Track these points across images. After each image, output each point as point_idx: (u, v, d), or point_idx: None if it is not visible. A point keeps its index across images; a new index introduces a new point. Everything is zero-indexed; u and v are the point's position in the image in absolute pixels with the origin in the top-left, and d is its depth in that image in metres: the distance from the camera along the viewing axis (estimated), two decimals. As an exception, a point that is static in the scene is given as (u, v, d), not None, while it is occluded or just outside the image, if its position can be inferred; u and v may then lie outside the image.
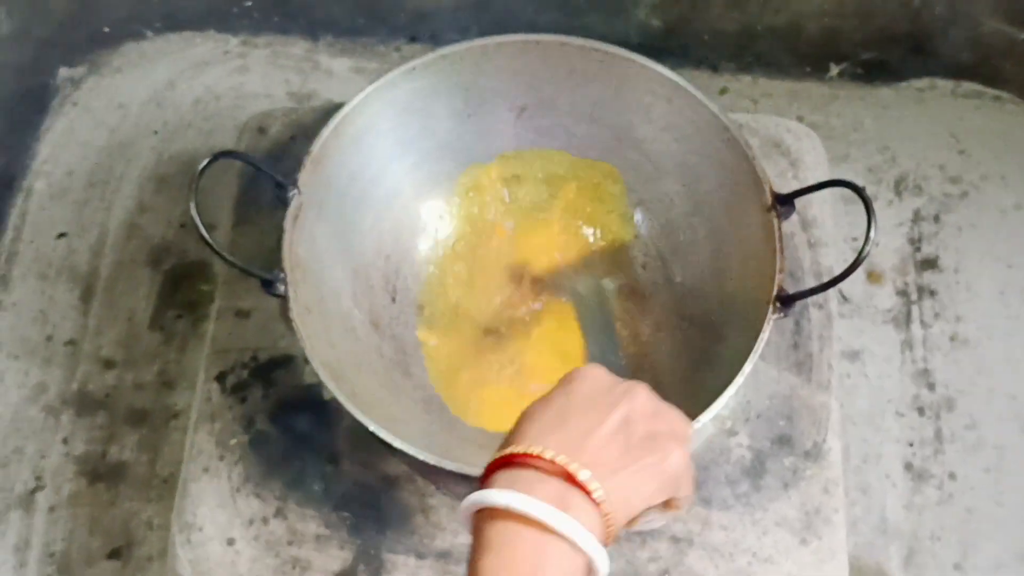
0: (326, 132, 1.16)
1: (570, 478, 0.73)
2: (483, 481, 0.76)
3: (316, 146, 1.15)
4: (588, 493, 0.73)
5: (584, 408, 0.78)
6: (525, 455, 0.74)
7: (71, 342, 1.49)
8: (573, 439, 0.76)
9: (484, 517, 0.73)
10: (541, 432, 0.76)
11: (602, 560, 0.72)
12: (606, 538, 0.74)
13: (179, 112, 1.68)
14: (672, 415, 0.82)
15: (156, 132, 1.66)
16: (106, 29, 1.73)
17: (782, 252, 1.09)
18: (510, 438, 0.78)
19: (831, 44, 1.68)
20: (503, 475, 0.75)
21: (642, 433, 0.78)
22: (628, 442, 0.77)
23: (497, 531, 0.72)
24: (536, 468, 0.74)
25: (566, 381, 0.81)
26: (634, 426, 0.77)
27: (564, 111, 1.26)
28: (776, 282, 1.07)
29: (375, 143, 1.22)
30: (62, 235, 1.57)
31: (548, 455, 0.74)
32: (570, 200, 1.30)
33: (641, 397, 0.80)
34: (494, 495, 0.72)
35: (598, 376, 0.82)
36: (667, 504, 0.82)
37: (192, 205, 1.01)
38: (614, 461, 0.75)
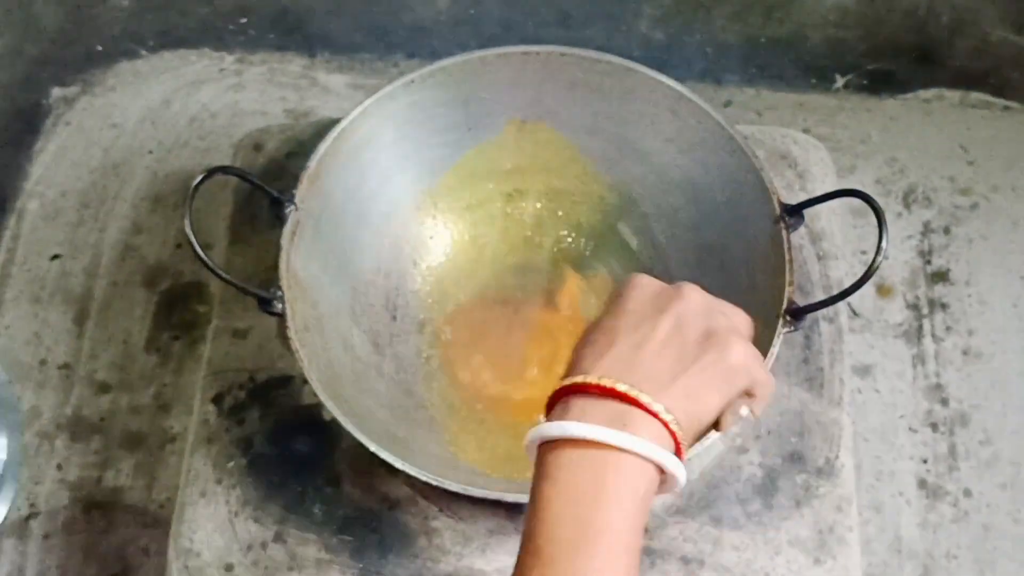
0: (323, 147, 1.14)
1: (623, 397, 0.73)
2: (547, 417, 0.77)
3: (313, 161, 1.13)
4: (643, 407, 0.73)
5: (633, 323, 0.78)
6: (573, 385, 0.75)
7: (65, 366, 1.46)
8: (623, 358, 0.75)
9: (545, 450, 0.74)
10: (593, 359, 0.76)
11: (674, 465, 0.72)
12: (677, 448, 0.74)
13: (174, 131, 1.65)
14: (727, 308, 0.82)
15: (151, 151, 1.64)
16: (99, 48, 1.72)
17: (791, 264, 1.07)
18: (568, 369, 0.78)
19: (836, 55, 1.67)
20: (558, 407, 0.75)
21: (697, 333, 0.77)
22: (683, 346, 0.76)
23: (556, 458, 0.72)
24: (588, 394, 0.74)
25: (613, 298, 0.81)
26: (687, 328, 0.77)
27: (566, 123, 1.25)
28: (786, 295, 1.05)
29: (374, 158, 1.20)
30: (55, 257, 1.55)
31: (593, 380, 0.74)
32: (573, 214, 1.28)
33: (692, 297, 0.79)
34: (546, 428, 0.73)
35: (644, 285, 0.81)
36: (748, 395, 0.81)
37: (187, 222, 1.00)
38: (669, 370, 0.75)
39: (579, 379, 0.75)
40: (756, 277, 1.12)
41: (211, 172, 1.04)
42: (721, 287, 1.16)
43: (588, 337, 0.79)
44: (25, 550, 1.35)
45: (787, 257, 1.07)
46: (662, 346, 0.76)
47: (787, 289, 1.05)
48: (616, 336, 0.77)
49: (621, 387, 0.73)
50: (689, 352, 0.76)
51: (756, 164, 1.12)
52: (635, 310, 0.79)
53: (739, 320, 0.81)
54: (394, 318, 1.23)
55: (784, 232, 1.08)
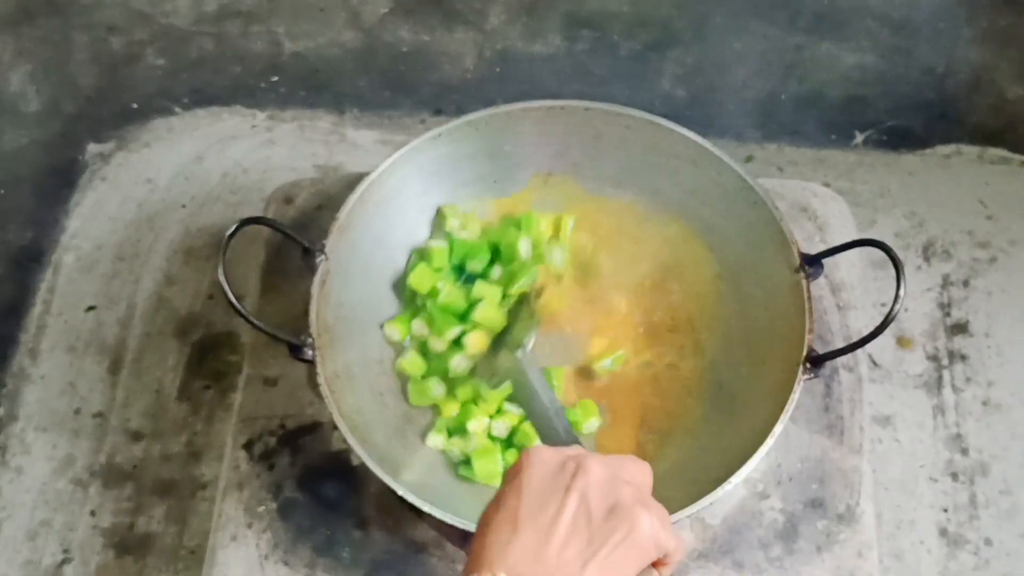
0: (353, 198, 1.16)
1: None
2: None
3: (343, 212, 1.15)
4: None
5: (536, 505, 0.74)
6: None
7: (99, 414, 1.49)
8: (530, 549, 0.73)
9: None
10: (498, 549, 0.73)
11: None
12: None
13: (207, 186, 1.68)
14: (628, 472, 0.79)
15: (184, 206, 1.67)
16: (135, 105, 1.75)
17: (811, 313, 1.09)
18: (471, 561, 0.75)
19: (856, 112, 1.69)
20: None
21: (603, 510, 0.74)
22: (590, 528, 0.74)
23: None
24: None
25: (513, 475, 0.78)
26: (592, 504, 0.74)
27: (590, 176, 1.27)
28: (806, 343, 1.06)
29: (401, 209, 1.23)
30: (91, 308, 1.58)
31: None
32: (595, 266, 1.30)
33: (593, 470, 0.76)
34: None
35: (544, 460, 0.78)
36: (657, 564, 0.78)
37: (220, 269, 1.02)
38: (578, 557, 0.73)
39: None
40: (777, 325, 1.13)
41: (245, 222, 1.06)
42: (742, 335, 1.19)
43: (490, 519, 0.75)
44: (58, 595, 1.37)
45: (807, 306, 1.09)
46: (569, 532, 0.73)
47: (807, 337, 1.07)
48: (519, 521, 0.74)
49: None
50: (597, 533, 0.73)
51: (776, 215, 1.14)
52: (536, 488, 0.75)
53: (642, 480, 0.80)
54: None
55: (804, 281, 1.10)
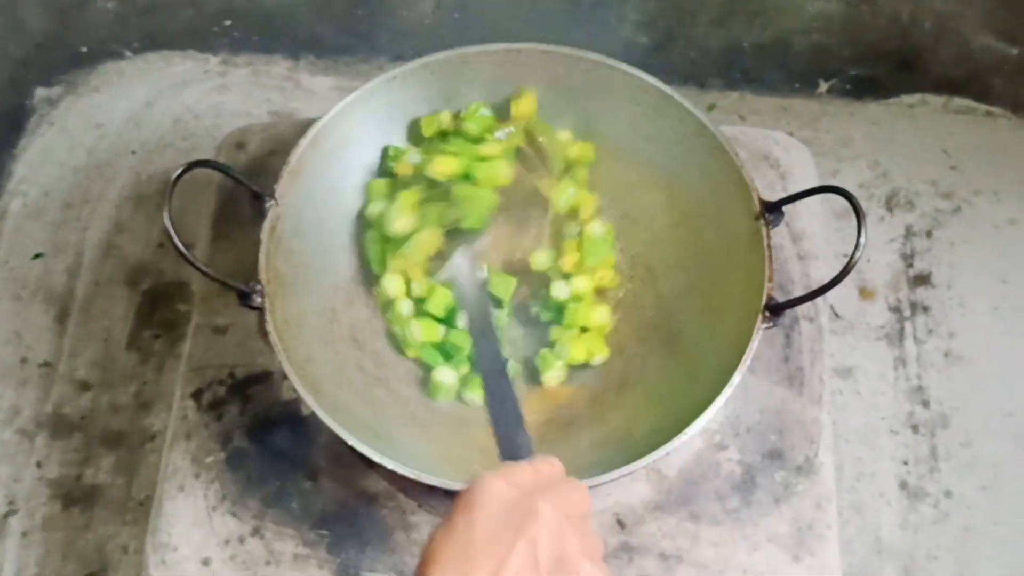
0: (304, 142, 1.14)
1: None
2: None
3: (294, 157, 1.13)
4: None
5: (487, 542, 0.75)
6: None
7: (46, 364, 1.46)
8: None
9: None
10: None
11: None
12: None
13: (157, 131, 1.65)
14: (573, 505, 0.80)
15: (134, 152, 1.64)
16: (84, 49, 1.72)
17: (771, 260, 1.07)
18: None
19: (820, 60, 1.67)
20: None
21: (550, 560, 0.75)
22: (537, 573, 0.75)
23: None
24: None
25: (465, 506, 0.77)
26: (541, 553, 0.75)
27: (548, 121, 1.24)
28: (765, 291, 1.05)
29: (355, 155, 1.21)
30: (38, 255, 1.55)
31: None
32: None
33: (544, 516, 0.76)
34: None
35: (497, 496, 0.78)
36: None
37: (166, 213, 1.00)
38: None
39: None
40: (736, 273, 1.12)
41: (191, 165, 1.04)
42: (701, 284, 1.18)
43: (439, 550, 0.76)
44: (3, 548, 1.34)
45: (766, 253, 1.08)
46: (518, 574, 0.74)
47: (766, 285, 1.05)
48: (470, 559, 0.74)
49: None
50: None
51: (736, 162, 1.12)
52: (489, 527, 0.76)
53: (584, 509, 0.81)
54: (374, 314, 1.23)
55: (764, 229, 1.09)
